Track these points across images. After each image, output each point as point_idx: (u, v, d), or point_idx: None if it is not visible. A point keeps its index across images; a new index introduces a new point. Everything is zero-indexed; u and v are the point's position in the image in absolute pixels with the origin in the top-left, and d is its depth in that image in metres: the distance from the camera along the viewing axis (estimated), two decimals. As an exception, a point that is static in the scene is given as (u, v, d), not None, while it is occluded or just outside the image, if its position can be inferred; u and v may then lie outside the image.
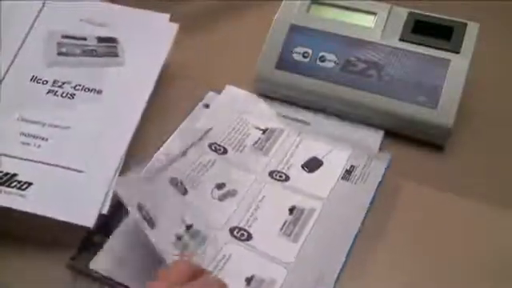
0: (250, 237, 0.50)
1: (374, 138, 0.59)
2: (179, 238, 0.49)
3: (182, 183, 0.53)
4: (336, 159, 0.57)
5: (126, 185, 0.50)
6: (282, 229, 0.51)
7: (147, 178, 0.53)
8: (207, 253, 0.49)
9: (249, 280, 0.47)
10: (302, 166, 0.56)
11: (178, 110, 0.61)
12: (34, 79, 0.58)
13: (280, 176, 0.55)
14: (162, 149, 0.57)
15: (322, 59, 0.60)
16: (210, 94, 0.63)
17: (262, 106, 0.62)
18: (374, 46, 0.60)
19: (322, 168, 0.56)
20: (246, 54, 0.63)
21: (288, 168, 0.56)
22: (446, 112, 0.56)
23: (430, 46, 0.59)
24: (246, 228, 0.51)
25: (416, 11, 0.61)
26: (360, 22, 0.61)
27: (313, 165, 0.56)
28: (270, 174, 0.55)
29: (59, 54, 0.60)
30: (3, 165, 0.51)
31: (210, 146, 0.57)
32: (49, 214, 0.48)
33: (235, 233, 0.51)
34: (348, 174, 0.55)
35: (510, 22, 0.71)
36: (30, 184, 0.50)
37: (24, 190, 0.49)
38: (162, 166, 0.54)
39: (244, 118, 0.61)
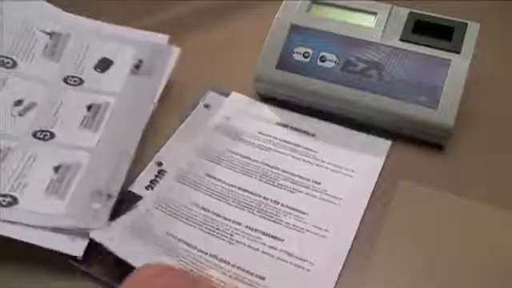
0: (53, 135, 0.54)
1: (382, 147, 0.58)
2: None
3: None
4: (124, 56, 0.60)
5: None
6: (82, 123, 0.55)
7: None
8: (11, 162, 0.51)
9: (56, 168, 0.52)
10: (95, 68, 0.60)
11: (178, 110, 0.61)
12: None
13: (75, 81, 0.58)
14: None
15: (323, 59, 0.60)
16: (211, 94, 0.63)
17: (48, 8, 0.63)
18: (374, 46, 0.60)
19: (112, 66, 0.60)
20: (246, 54, 0.63)
21: (81, 72, 0.59)
22: (446, 112, 0.56)
23: (430, 46, 0.59)
24: (49, 129, 0.54)
25: (416, 11, 0.61)
26: (360, 21, 0.61)
27: (104, 65, 0.60)
28: (65, 79, 0.58)
29: None
30: None
31: None
32: None
33: (38, 135, 0.54)
34: (136, 68, 0.59)
35: (510, 22, 0.71)
36: None
37: None
38: None
39: (28, 23, 0.60)
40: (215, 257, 0.49)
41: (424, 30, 0.59)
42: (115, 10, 0.71)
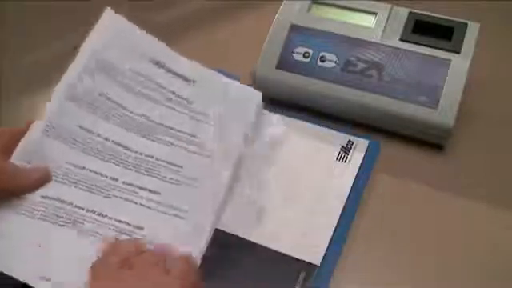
0: None
1: (254, 96, 0.57)
2: None
3: None
4: None
5: None
6: None
7: None
8: None
9: None
10: None
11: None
12: None
13: None
14: None
15: (323, 59, 0.60)
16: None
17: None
18: (374, 46, 0.60)
19: None
20: (246, 54, 0.63)
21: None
22: (446, 112, 0.56)
23: (430, 46, 0.59)
24: None
25: (416, 11, 0.61)
26: (360, 21, 0.61)
27: None
28: None
29: None
30: None
31: None
32: None
33: None
34: None
35: (510, 22, 0.71)
36: None
37: None
38: None
39: None
40: (93, 211, 0.50)
41: (424, 30, 0.59)
42: (115, 11, 0.71)
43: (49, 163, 0.50)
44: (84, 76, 0.53)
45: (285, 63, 0.61)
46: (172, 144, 0.54)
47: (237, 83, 0.58)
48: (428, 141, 0.58)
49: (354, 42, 0.60)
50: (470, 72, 0.57)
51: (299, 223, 0.53)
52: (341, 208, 0.53)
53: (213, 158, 0.54)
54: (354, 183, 0.55)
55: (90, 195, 0.50)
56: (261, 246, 0.51)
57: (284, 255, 0.51)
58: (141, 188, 0.52)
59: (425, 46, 0.59)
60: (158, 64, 0.56)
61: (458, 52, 0.58)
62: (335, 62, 0.60)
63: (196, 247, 0.49)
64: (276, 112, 0.61)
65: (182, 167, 0.53)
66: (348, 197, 0.54)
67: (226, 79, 0.58)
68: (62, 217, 0.49)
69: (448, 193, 0.55)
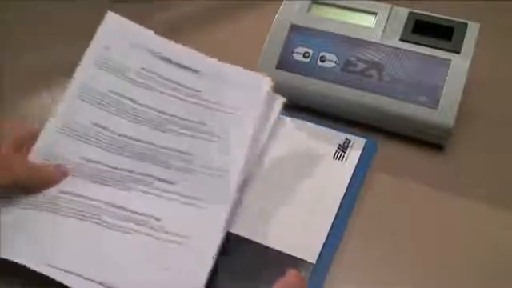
0: None
1: (262, 82, 0.57)
2: None
3: None
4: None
5: None
6: None
7: None
8: None
9: None
10: None
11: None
12: None
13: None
14: None
15: (323, 59, 0.60)
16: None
17: None
18: (374, 46, 0.60)
19: None
20: (246, 54, 0.63)
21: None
22: (446, 112, 0.56)
23: (430, 46, 0.59)
24: None
25: (416, 11, 0.61)
26: (360, 21, 0.61)
27: None
28: None
29: None
30: None
31: None
32: None
33: None
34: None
35: (510, 22, 0.71)
36: None
37: None
38: None
39: None
40: (108, 203, 0.51)
41: (424, 30, 0.59)
42: (114, 11, 0.71)
43: (64, 160, 0.53)
44: (94, 75, 0.55)
45: (285, 63, 0.61)
46: (183, 134, 0.55)
47: (243, 69, 0.58)
48: (428, 141, 0.58)
49: (354, 42, 0.60)
50: (470, 72, 0.57)
51: (295, 221, 0.53)
52: (337, 206, 0.53)
53: (224, 144, 0.54)
54: (350, 181, 0.55)
55: (106, 188, 0.52)
56: (257, 243, 0.51)
57: (280, 253, 0.51)
58: (156, 179, 0.53)
59: (425, 46, 0.59)
60: (164, 59, 0.58)
61: (458, 52, 0.58)
62: (335, 62, 0.60)
63: (214, 234, 0.49)
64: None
65: (192, 155, 0.54)
66: (344, 195, 0.54)
67: (231, 66, 0.58)
68: (82, 211, 0.50)
69: (448, 193, 0.55)
